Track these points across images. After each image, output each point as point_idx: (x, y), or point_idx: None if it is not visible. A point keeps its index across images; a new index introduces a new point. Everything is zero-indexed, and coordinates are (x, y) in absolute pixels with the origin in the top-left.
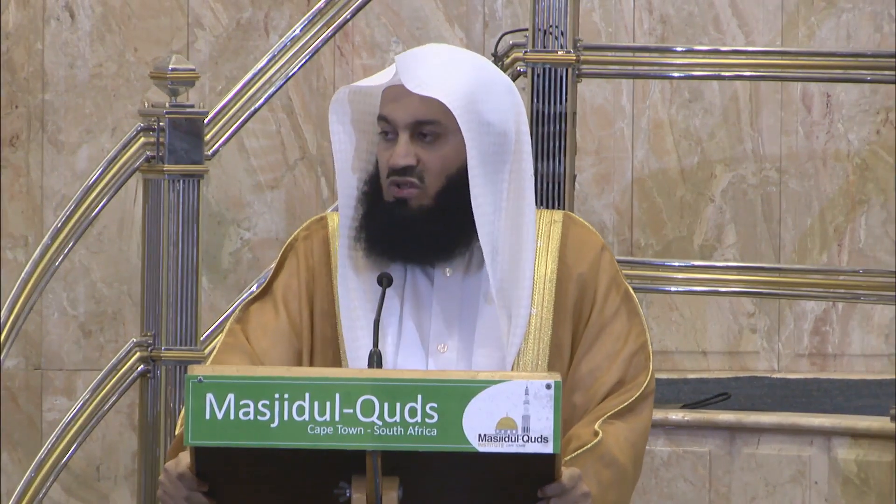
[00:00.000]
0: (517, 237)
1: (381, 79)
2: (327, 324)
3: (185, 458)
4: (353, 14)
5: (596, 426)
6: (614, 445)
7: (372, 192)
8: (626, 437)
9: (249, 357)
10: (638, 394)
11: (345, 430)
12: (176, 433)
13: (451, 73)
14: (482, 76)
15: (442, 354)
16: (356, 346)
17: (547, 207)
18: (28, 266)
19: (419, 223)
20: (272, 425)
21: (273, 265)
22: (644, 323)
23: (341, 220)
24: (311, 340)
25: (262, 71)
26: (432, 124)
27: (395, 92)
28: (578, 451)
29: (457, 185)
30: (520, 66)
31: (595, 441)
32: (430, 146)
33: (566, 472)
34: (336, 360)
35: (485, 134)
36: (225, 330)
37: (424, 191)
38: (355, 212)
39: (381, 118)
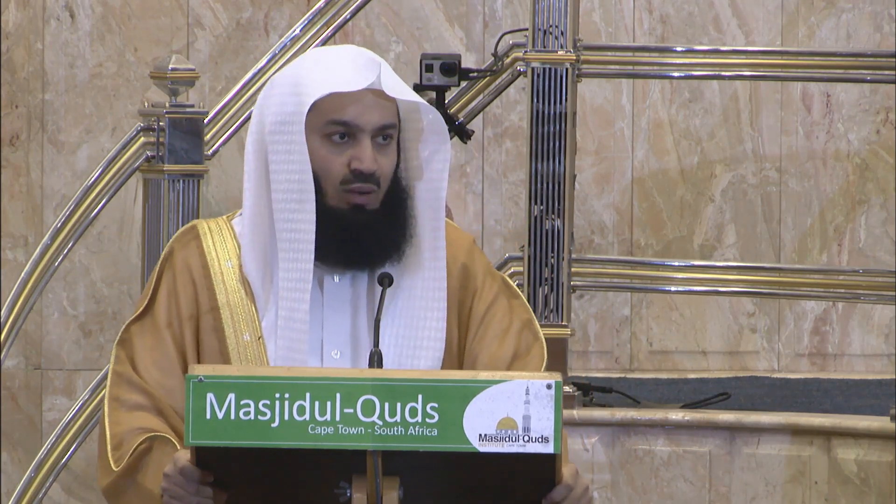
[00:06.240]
0: None
1: (326, 86)
2: (214, 338)
3: (183, 455)
4: (353, 14)
5: None
6: None
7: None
8: None
9: (143, 392)
10: (543, 364)
11: (345, 430)
12: (112, 462)
13: (397, 77)
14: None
15: (335, 360)
16: (288, 352)
17: (547, 208)
18: (28, 266)
19: (374, 227)
20: (273, 425)
21: (152, 279)
22: (526, 303)
23: (281, 225)
24: (196, 353)
25: (262, 71)
26: (392, 128)
27: (353, 97)
28: None
29: (397, 187)
30: (520, 66)
31: None
32: (384, 149)
33: (566, 471)
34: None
35: None
36: (112, 355)
37: (378, 194)
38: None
39: (341, 123)
